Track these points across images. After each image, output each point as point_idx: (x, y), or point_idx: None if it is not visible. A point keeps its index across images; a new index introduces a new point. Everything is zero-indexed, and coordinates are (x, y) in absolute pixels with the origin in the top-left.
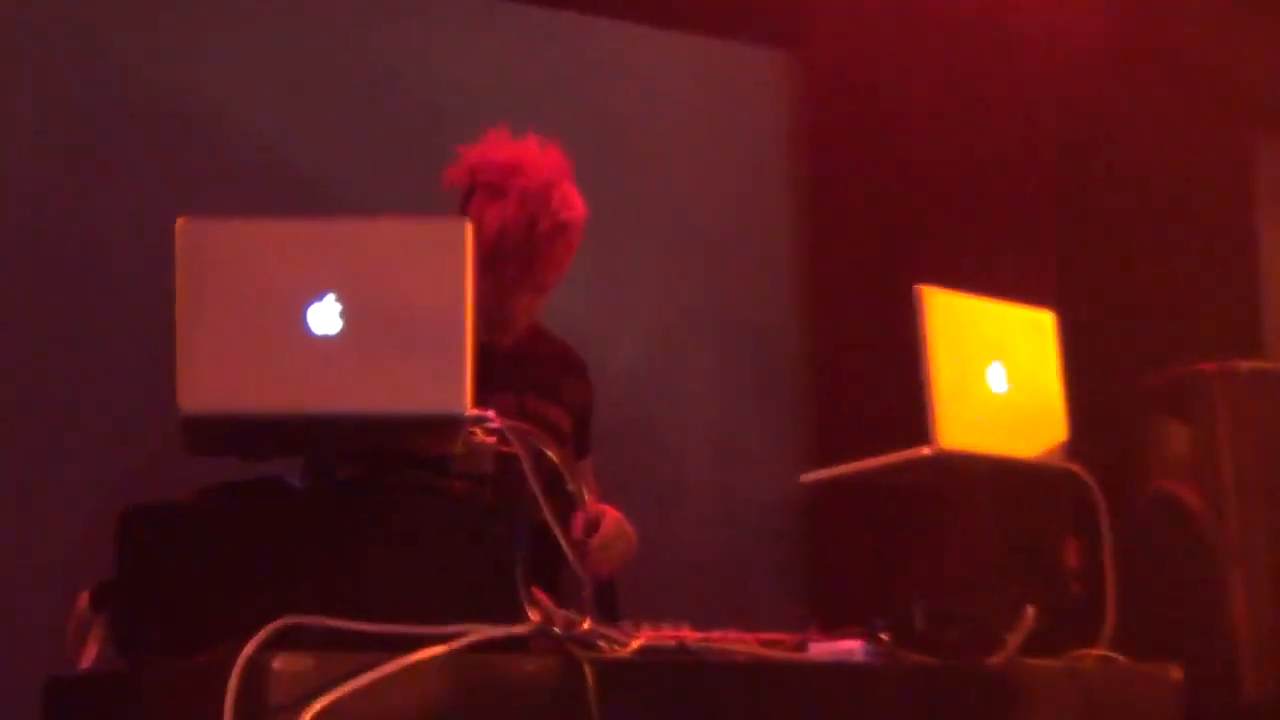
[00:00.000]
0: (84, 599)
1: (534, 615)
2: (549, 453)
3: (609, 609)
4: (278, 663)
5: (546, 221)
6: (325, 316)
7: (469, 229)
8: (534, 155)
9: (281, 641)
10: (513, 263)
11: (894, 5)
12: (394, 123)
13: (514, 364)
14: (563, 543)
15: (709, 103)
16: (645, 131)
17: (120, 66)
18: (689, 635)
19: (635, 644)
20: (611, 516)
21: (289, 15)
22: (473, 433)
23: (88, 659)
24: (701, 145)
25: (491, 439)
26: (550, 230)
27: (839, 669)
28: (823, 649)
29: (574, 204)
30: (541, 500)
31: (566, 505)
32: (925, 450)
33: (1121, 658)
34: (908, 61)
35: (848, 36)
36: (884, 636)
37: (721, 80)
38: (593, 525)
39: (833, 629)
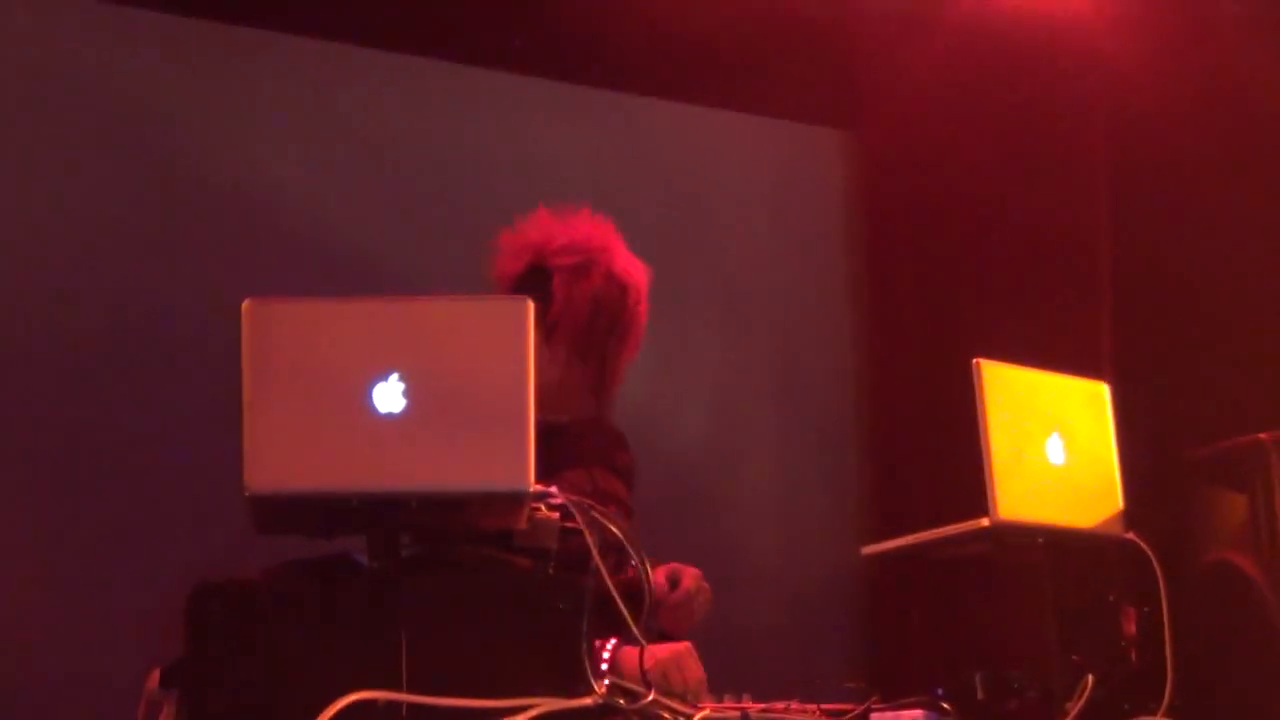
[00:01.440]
0: (155, 678)
1: (600, 687)
2: (612, 527)
3: None
4: None
5: (635, 295)
6: (390, 395)
7: (530, 307)
8: (601, 229)
9: (351, 718)
10: (613, 337)
11: (946, 82)
12: (454, 204)
13: (576, 440)
14: (625, 616)
15: (767, 181)
16: (706, 210)
17: (182, 158)
18: (751, 706)
19: (698, 716)
20: (691, 574)
21: (349, 100)
22: (536, 509)
23: None
24: (761, 223)
25: (554, 514)
26: (638, 300)
27: None
28: (885, 719)
29: (644, 272)
30: (605, 574)
31: (628, 577)
32: (985, 521)
33: None
34: (961, 135)
35: (901, 114)
36: (946, 706)
37: (779, 159)
38: (674, 581)
39: (894, 700)
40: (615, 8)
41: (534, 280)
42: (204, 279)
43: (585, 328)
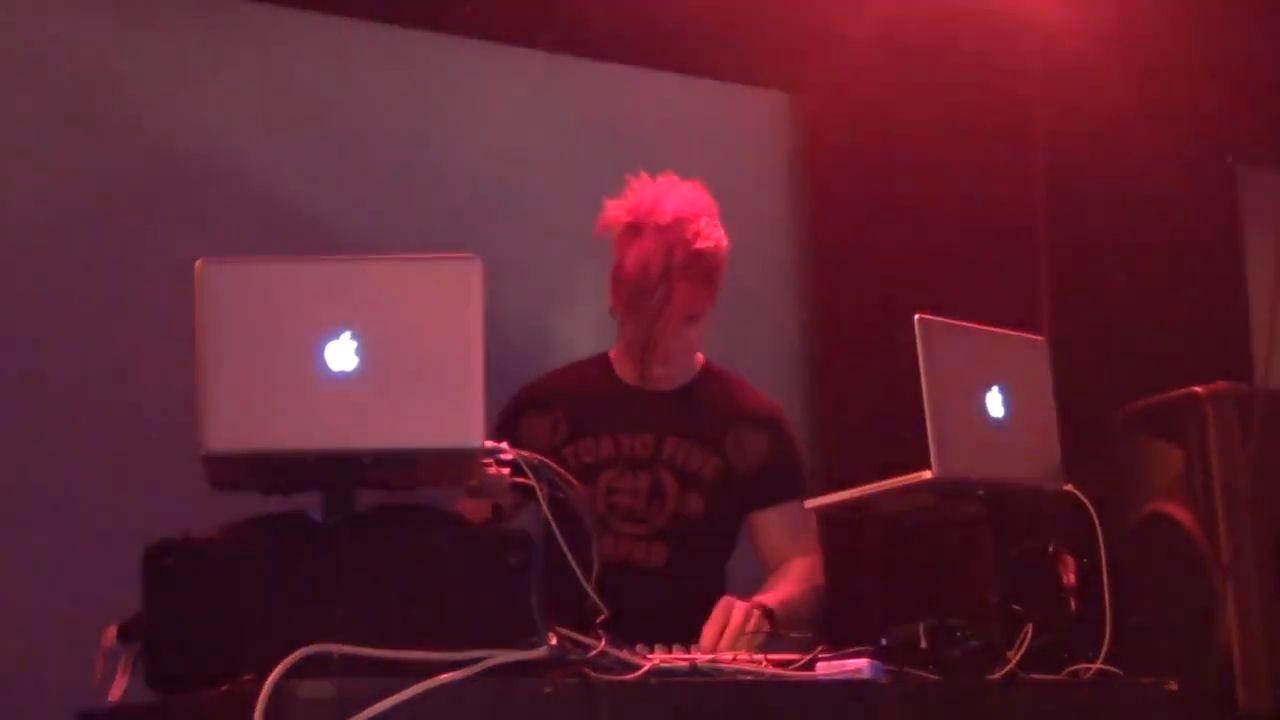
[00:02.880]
0: (111, 633)
1: (550, 640)
2: (562, 482)
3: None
4: (302, 690)
5: (681, 251)
6: (342, 354)
7: (480, 266)
8: (666, 193)
9: (305, 670)
10: (654, 295)
11: (887, 44)
12: (405, 168)
13: (668, 406)
14: (575, 569)
15: (711, 143)
16: (653, 171)
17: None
18: (699, 657)
19: (647, 666)
20: (740, 610)
21: (305, 65)
22: (487, 465)
23: (116, 692)
24: (707, 184)
25: (505, 470)
26: (686, 259)
27: (847, 687)
28: (830, 668)
29: (709, 235)
30: (555, 529)
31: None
32: (926, 474)
33: (1119, 673)
34: (901, 97)
35: (843, 76)
36: (890, 655)
37: (723, 121)
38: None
39: (840, 650)
40: None
41: (611, 240)
42: (156, 243)
43: (631, 287)
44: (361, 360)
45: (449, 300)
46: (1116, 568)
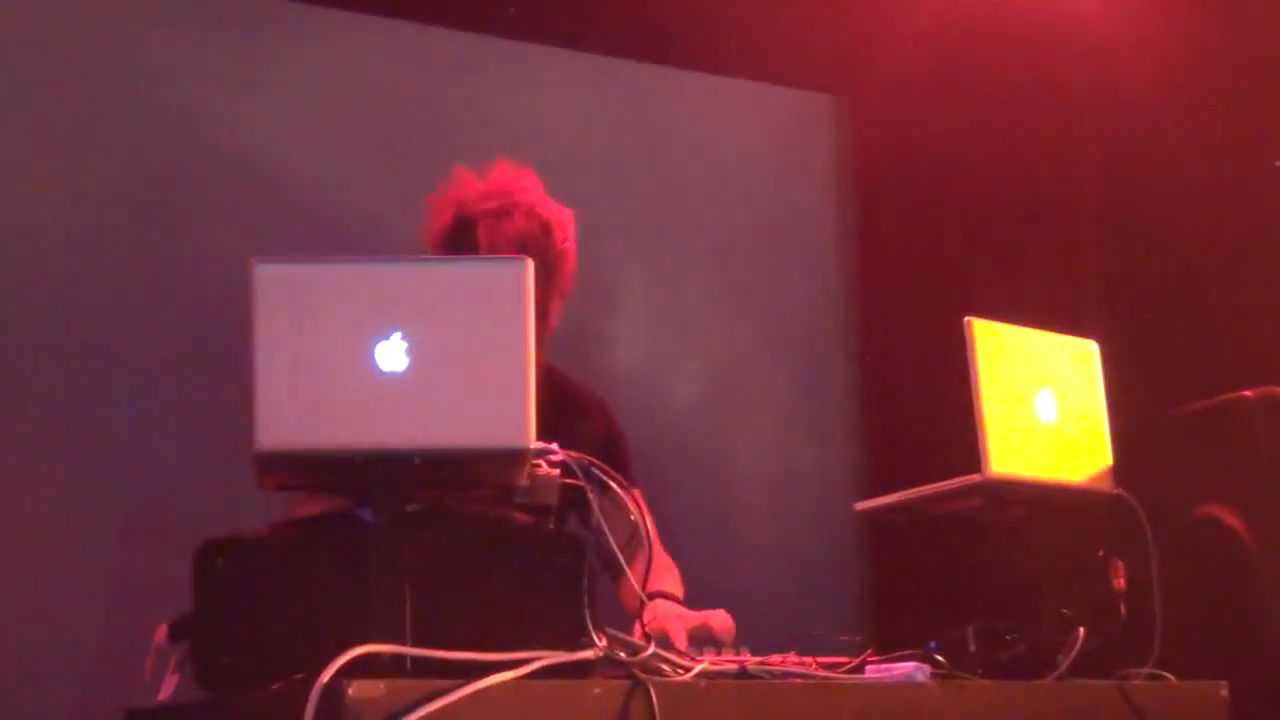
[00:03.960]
0: (162, 631)
1: (600, 641)
2: (613, 484)
3: None
4: (352, 690)
5: (560, 229)
6: (392, 354)
7: (529, 267)
8: (517, 174)
9: (356, 669)
10: (540, 275)
11: (937, 46)
12: (447, 167)
13: None
14: (626, 570)
15: (760, 145)
16: (699, 175)
17: (191, 123)
18: (749, 660)
19: (697, 668)
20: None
21: (350, 66)
22: (537, 465)
23: (166, 691)
24: (754, 187)
25: (555, 471)
26: (564, 237)
27: (896, 690)
28: (880, 671)
29: (566, 211)
30: (606, 530)
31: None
32: (976, 477)
33: (1170, 677)
34: (952, 99)
35: (892, 78)
36: (939, 658)
37: (772, 123)
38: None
39: (889, 653)
40: None
41: (459, 231)
42: (208, 245)
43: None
44: (412, 360)
45: (498, 301)
46: (1167, 572)
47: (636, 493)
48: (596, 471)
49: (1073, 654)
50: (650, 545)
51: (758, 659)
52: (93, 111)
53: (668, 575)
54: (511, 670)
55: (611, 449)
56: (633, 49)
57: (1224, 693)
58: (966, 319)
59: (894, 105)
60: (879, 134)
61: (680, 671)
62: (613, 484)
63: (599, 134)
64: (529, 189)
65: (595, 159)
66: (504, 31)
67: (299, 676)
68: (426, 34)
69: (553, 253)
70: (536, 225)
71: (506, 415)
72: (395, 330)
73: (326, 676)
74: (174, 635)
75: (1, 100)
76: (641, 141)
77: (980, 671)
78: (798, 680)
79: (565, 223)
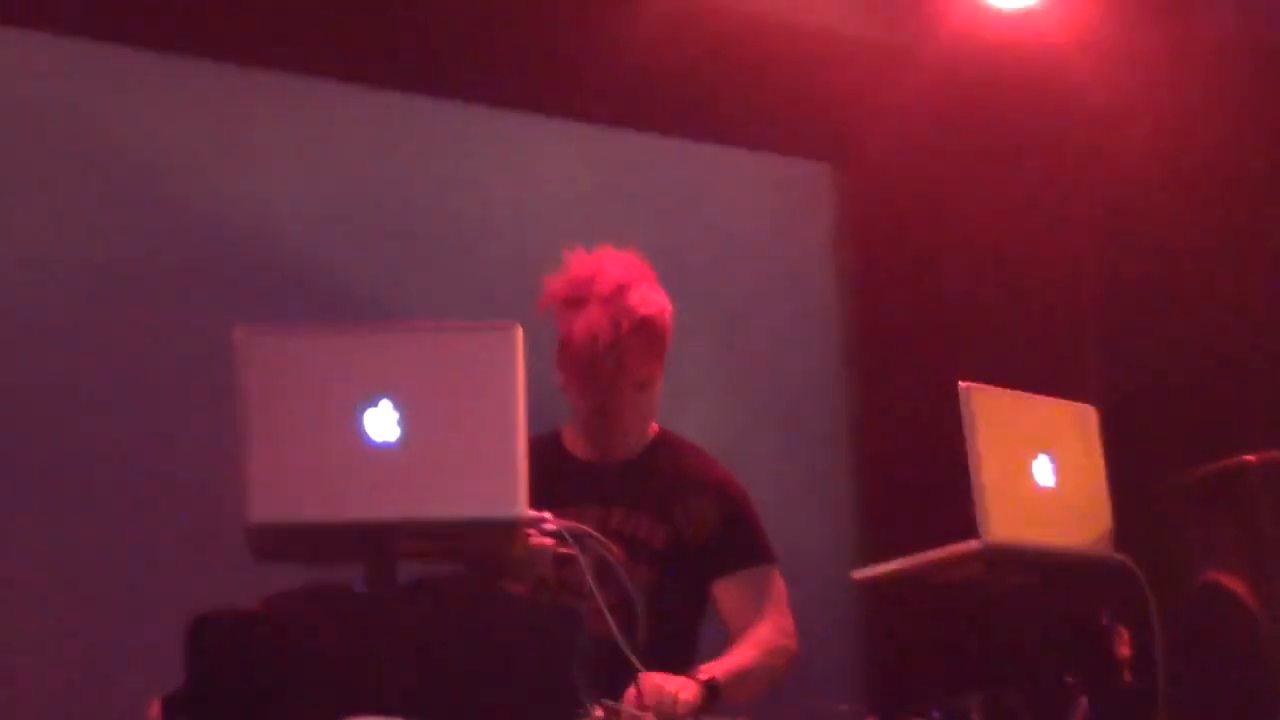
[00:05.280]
0: (155, 707)
1: (596, 712)
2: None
3: None
4: None
5: (627, 320)
6: (382, 422)
7: (519, 334)
8: (606, 263)
9: None
10: (606, 362)
11: (932, 114)
12: (446, 239)
13: (618, 477)
14: (620, 642)
15: (758, 214)
16: (697, 243)
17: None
18: None
19: None
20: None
21: (345, 136)
22: (530, 535)
23: None
24: (752, 254)
25: (549, 541)
26: (633, 327)
27: None
28: None
29: (653, 301)
30: (600, 598)
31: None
32: (975, 544)
33: None
34: (947, 166)
35: (888, 147)
36: None
37: (769, 192)
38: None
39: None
40: (605, 44)
41: (554, 316)
42: (200, 314)
43: (580, 360)
44: (402, 429)
45: (489, 368)
46: (1170, 638)
47: (773, 570)
48: (591, 541)
49: None
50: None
51: None
52: (92, 182)
53: (746, 650)
54: None
55: (731, 525)
56: (631, 118)
57: None
58: (962, 385)
59: (890, 172)
60: (876, 200)
61: None
62: (614, 550)
63: (598, 203)
64: (609, 278)
65: (594, 228)
66: (501, 102)
67: None
68: (423, 105)
69: (617, 349)
70: (604, 317)
71: (498, 484)
72: (384, 398)
73: None
74: (167, 710)
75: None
76: (640, 210)
77: None
78: None
79: (641, 318)
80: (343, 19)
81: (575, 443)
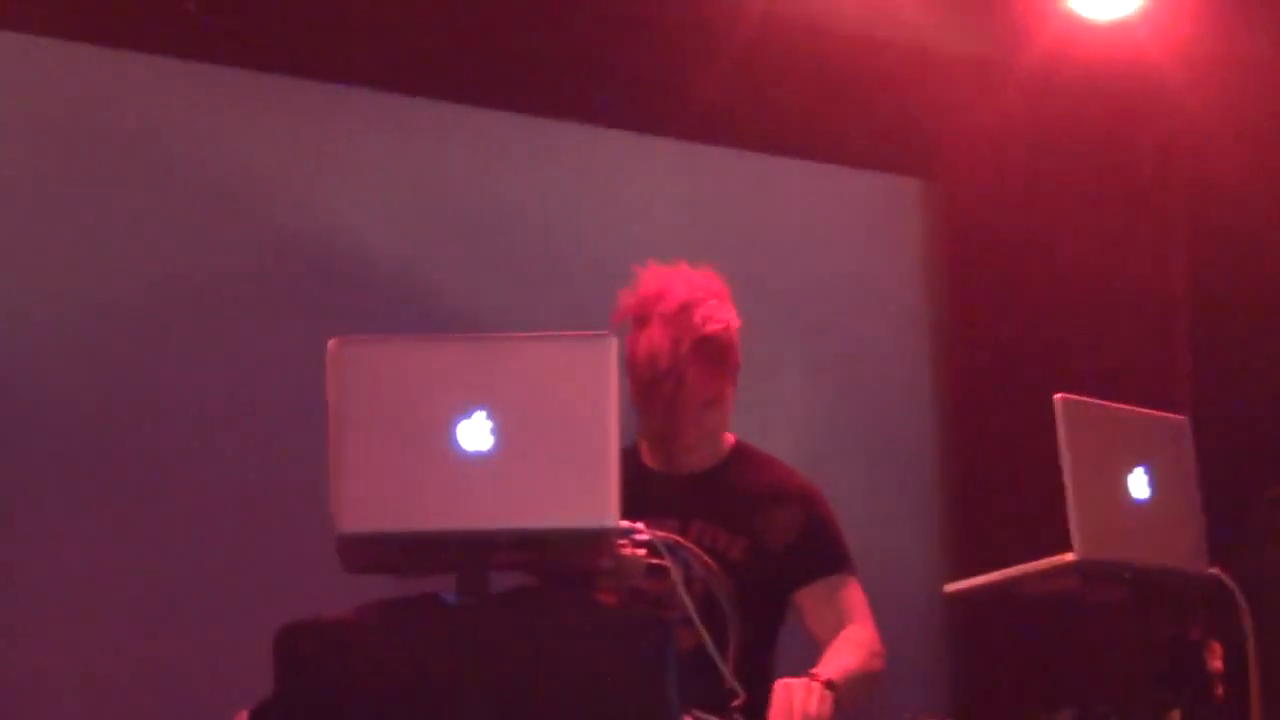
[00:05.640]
0: (244, 718)
1: None
2: (699, 564)
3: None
4: None
5: (689, 337)
6: (475, 433)
7: (614, 345)
8: (673, 280)
9: None
10: (667, 383)
11: (1022, 128)
12: (538, 255)
13: (695, 490)
14: (715, 656)
15: (850, 229)
16: (789, 259)
17: (275, 209)
18: None
19: None
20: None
21: (437, 154)
22: (622, 546)
23: None
24: (843, 270)
25: (641, 551)
26: (695, 345)
27: None
28: None
29: (717, 318)
30: (692, 610)
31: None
32: (1069, 557)
33: None
34: (1037, 180)
35: (979, 161)
36: None
37: (861, 208)
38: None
39: None
40: (697, 61)
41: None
42: (284, 328)
43: (642, 378)
44: (495, 439)
45: (583, 379)
46: (1263, 654)
47: (854, 579)
48: (685, 552)
49: None
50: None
51: None
52: (178, 197)
53: (849, 651)
54: None
55: (813, 534)
56: (724, 135)
57: None
58: (1056, 396)
59: (981, 186)
60: (967, 215)
61: None
62: (708, 562)
63: (688, 220)
64: (673, 297)
65: (684, 244)
66: (591, 118)
67: None
68: (519, 122)
69: (680, 367)
70: (666, 336)
71: (591, 494)
72: (478, 409)
73: None
74: None
75: (79, 184)
76: (732, 228)
77: None
78: None
79: (704, 337)
80: (437, 36)
81: (650, 455)
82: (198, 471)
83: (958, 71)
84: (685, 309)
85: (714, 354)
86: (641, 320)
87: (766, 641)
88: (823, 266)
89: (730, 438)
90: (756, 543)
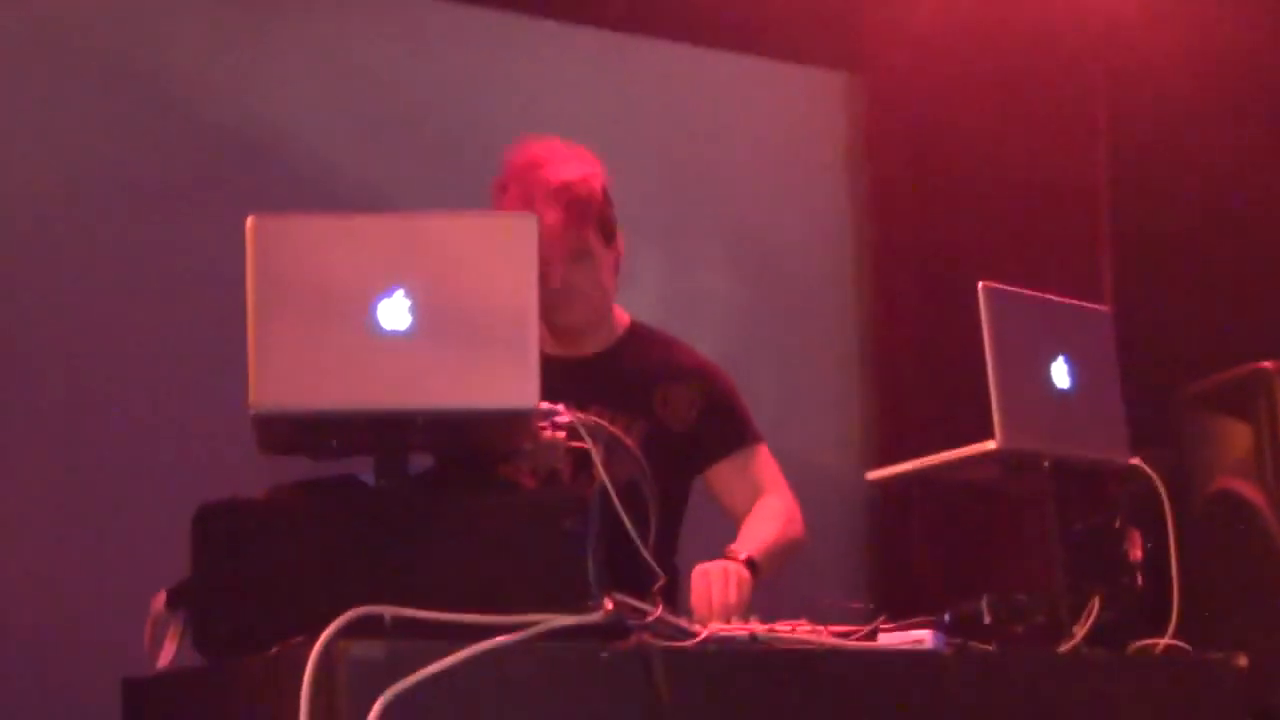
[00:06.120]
0: (160, 599)
1: (606, 605)
2: (620, 448)
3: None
4: (353, 651)
5: (540, 190)
6: (395, 312)
7: (535, 223)
8: (531, 145)
9: (356, 631)
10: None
11: (948, 24)
12: (458, 142)
13: (590, 373)
14: (633, 535)
15: (772, 122)
16: (711, 151)
17: (191, 97)
18: (759, 627)
19: (704, 634)
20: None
21: (356, 40)
22: (543, 428)
23: (165, 658)
24: (766, 162)
25: (561, 434)
26: (547, 194)
27: (909, 657)
28: (892, 639)
29: (570, 170)
30: (612, 491)
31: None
32: (990, 445)
33: (1187, 648)
34: (962, 76)
35: (903, 56)
36: (952, 629)
37: (784, 101)
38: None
39: (900, 621)
40: None
41: None
42: (214, 217)
43: None
44: (415, 318)
45: (503, 258)
46: (1183, 545)
47: (762, 447)
48: (605, 434)
49: (1088, 624)
50: (655, 505)
51: (767, 626)
52: (109, 89)
53: (766, 522)
54: (515, 633)
55: (716, 410)
56: (646, 25)
57: (1242, 663)
58: (980, 284)
59: (904, 82)
60: (890, 110)
61: (687, 638)
62: (628, 444)
63: (611, 110)
64: (524, 157)
65: (608, 135)
66: (514, 6)
67: (298, 640)
68: (438, 9)
69: (541, 217)
70: (520, 191)
71: (512, 375)
72: (398, 287)
73: (326, 637)
74: (172, 602)
75: (10, 79)
76: (654, 118)
77: (995, 642)
78: (809, 647)
79: (555, 187)
80: None
81: (544, 339)
82: (110, 354)
83: None
84: (534, 165)
85: (569, 203)
86: (501, 188)
87: (673, 523)
88: (747, 160)
89: (625, 318)
90: (657, 424)
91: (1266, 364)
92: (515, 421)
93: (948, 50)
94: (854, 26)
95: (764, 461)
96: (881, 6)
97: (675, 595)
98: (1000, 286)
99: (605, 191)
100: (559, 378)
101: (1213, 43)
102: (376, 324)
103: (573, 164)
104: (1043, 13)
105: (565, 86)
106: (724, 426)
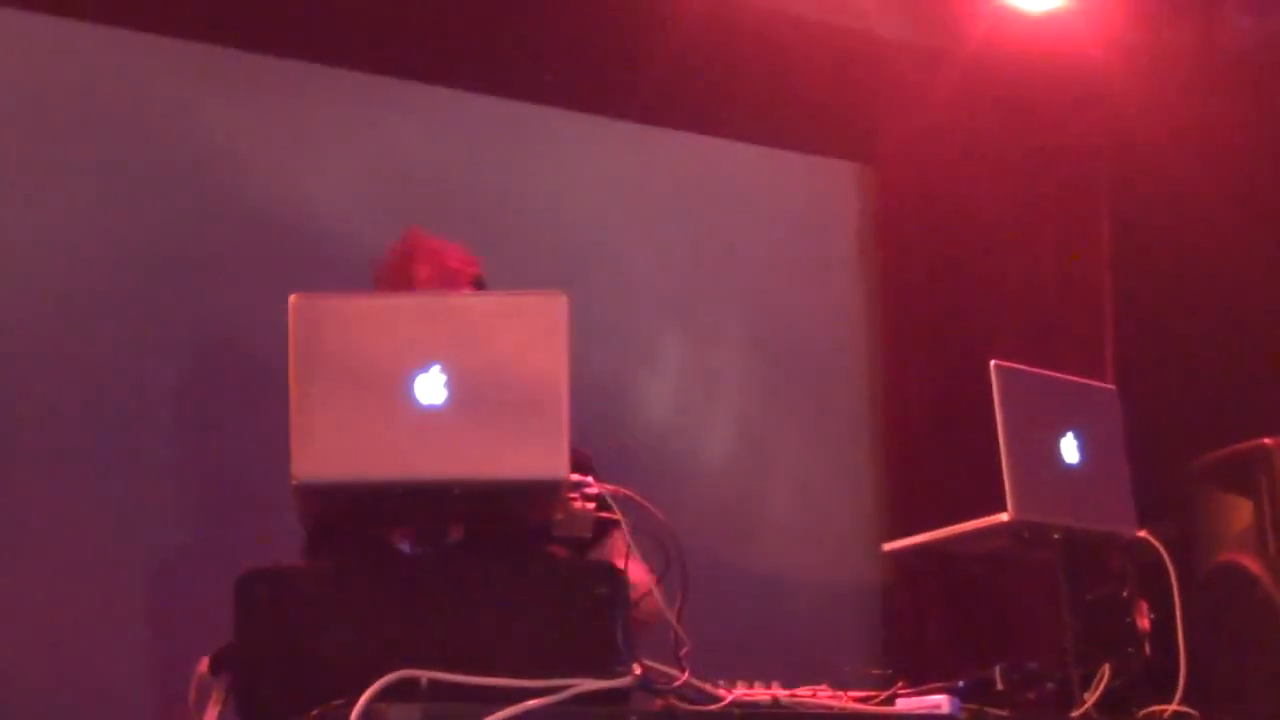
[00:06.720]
0: (204, 664)
1: (635, 670)
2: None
3: None
4: (391, 715)
5: (420, 250)
6: (432, 387)
7: (565, 302)
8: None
9: (394, 695)
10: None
11: (958, 115)
12: (484, 228)
13: None
14: (661, 603)
15: (787, 211)
16: (727, 240)
17: (247, 187)
18: (781, 693)
19: (730, 698)
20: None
21: (392, 130)
22: (573, 498)
23: None
24: (781, 250)
25: (590, 505)
26: (423, 255)
27: None
28: (910, 704)
29: (448, 249)
30: (640, 561)
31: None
32: (1002, 517)
33: (1195, 714)
34: (971, 164)
35: (915, 146)
36: (967, 695)
37: (798, 190)
38: None
39: (917, 687)
40: (638, 42)
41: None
42: (255, 304)
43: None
44: (450, 393)
45: (536, 335)
46: (1189, 615)
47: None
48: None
49: (1098, 692)
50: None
51: (789, 691)
52: (152, 176)
53: None
54: (547, 696)
55: None
56: (666, 117)
57: None
58: (992, 362)
59: (915, 171)
60: (901, 199)
61: (713, 702)
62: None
63: (635, 196)
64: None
65: (629, 223)
66: (537, 97)
67: (338, 702)
68: (467, 100)
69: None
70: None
71: (543, 447)
72: (434, 363)
73: (365, 700)
74: (215, 667)
75: (57, 160)
76: (670, 208)
77: (1008, 709)
78: (831, 711)
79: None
80: (391, 13)
81: None
82: (160, 426)
83: (896, 57)
84: (418, 236)
85: (442, 263)
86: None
87: None
88: (763, 244)
89: None
90: None
91: (1267, 440)
92: (547, 491)
93: (956, 141)
94: (866, 119)
95: None
96: (892, 101)
97: None
98: (1012, 365)
99: (480, 277)
100: None
101: (1211, 130)
102: (414, 399)
103: (453, 249)
104: (1049, 102)
105: (590, 174)
106: None
